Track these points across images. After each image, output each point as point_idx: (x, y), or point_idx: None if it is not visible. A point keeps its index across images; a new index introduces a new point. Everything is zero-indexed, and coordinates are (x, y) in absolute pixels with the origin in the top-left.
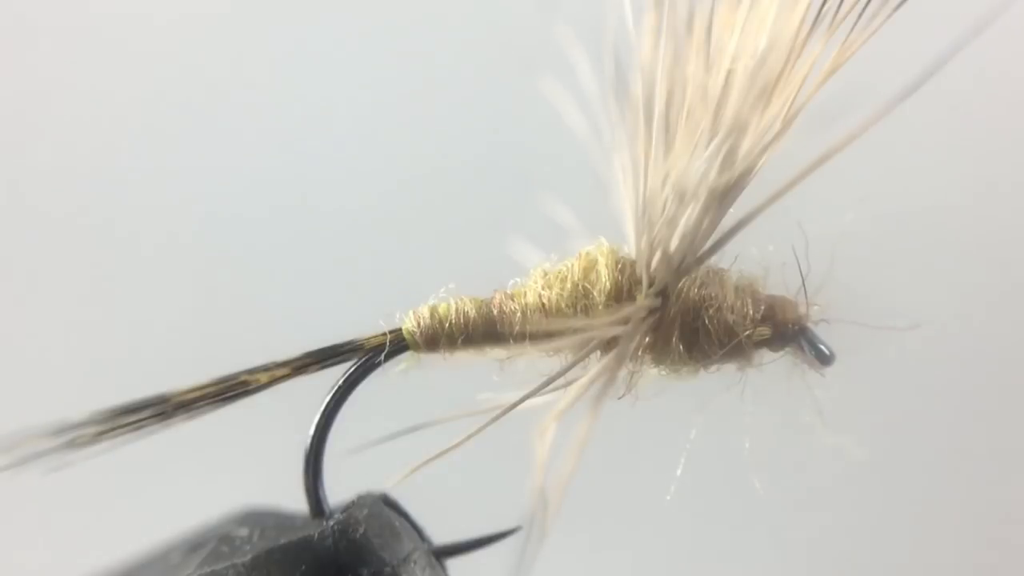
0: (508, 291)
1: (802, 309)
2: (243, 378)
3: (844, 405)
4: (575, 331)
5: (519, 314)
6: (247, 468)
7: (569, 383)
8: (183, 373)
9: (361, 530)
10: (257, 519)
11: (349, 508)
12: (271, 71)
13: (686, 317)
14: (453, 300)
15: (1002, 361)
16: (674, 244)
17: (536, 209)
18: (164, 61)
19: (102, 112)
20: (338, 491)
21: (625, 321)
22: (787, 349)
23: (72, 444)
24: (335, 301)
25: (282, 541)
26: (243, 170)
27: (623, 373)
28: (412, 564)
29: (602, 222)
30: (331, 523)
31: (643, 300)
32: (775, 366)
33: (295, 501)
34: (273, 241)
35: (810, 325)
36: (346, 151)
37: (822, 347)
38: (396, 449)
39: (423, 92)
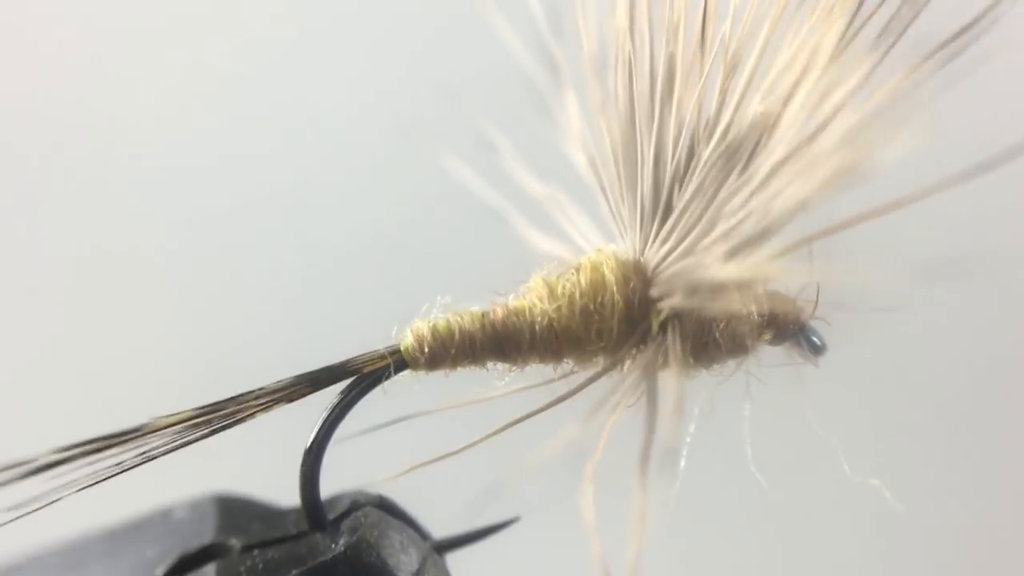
0: (510, 305)
1: (802, 308)
2: (231, 408)
3: (840, 404)
4: (590, 353)
5: (527, 333)
6: (241, 467)
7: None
8: (175, 383)
9: (374, 555)
10: (235, 521)
11: (356, 528)
12: (266, 76)
13: (697, 334)
14: (452, 316)
15: (1002, 361)
16: (693, 271)
17: (533, 205)
18: (162, 62)
19: (100, 116)
20: (327, 484)
21: (641, 342)
22: (784, 344)
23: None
24: (328, 308)
25: (294, 572)
26: (236, 171)
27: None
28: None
29: (595, 222)
30: (341, 546)
31: (657, 323)
32: (773, 366)
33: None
34: (265, 245)
35: (809, 323)
36: (343, 149)
37: (815, 339)
38: (389, 448)
39: (421, 92)
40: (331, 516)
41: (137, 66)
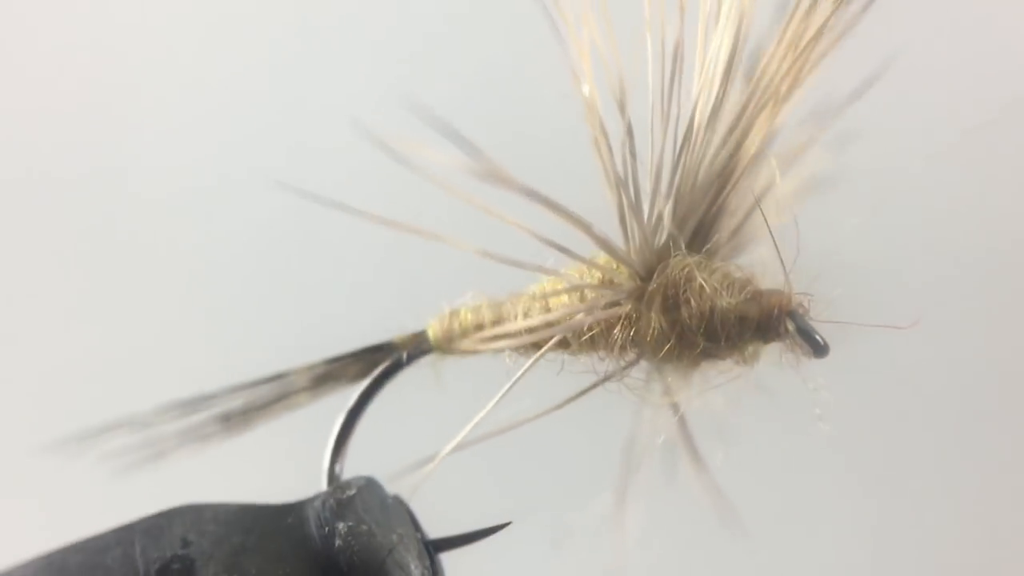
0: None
1: (789, 297)
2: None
3: (842, 403)
4: (568, 313)
5: (524, 307)
6: (247, 467)
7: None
8: (188, 377)
9: (352, 492)
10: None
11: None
12: (274, 77)
13: (668, 291)
14: (473, 303)
15: (1002, 361)
16: (661, 232)
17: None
18: (163, 60)
19: (103, 113)
20: None
21: (611, 294)
22: (779, 339)
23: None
24: (356, 304)
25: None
26: (252, 172)
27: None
28: (396, 539)
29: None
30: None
31: (628, 279)
32: (772, 364)
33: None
34: (281, 243)
35: (799, 311)
36: (349, 152)
37: (816, 337)
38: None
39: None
40: None
41: (143, 67)
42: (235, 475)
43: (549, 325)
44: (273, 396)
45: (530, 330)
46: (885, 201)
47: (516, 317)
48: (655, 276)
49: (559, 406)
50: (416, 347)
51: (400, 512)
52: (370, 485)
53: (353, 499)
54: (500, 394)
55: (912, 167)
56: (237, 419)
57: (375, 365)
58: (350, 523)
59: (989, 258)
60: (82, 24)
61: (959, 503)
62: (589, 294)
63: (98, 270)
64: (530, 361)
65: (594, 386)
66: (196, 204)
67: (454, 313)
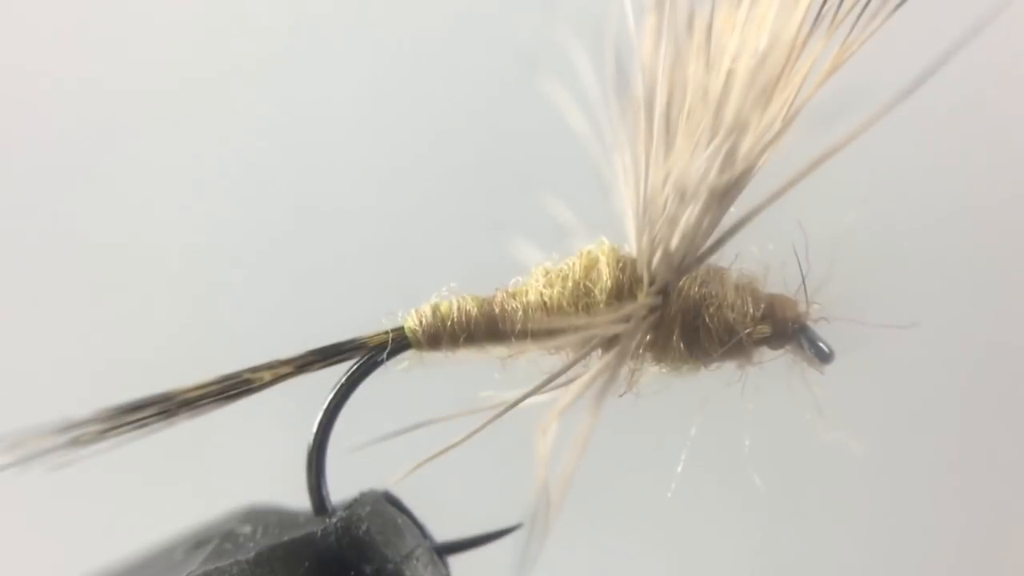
0: (510, 289)
1: (801, 307)
2: (246, 376)
3: (843, 403)
4: (576, 329)
5: (520, 312)
6: (250, 466)
7: (570, 380)
8: (184, 372)
9: (364, 527)
10: (260, 516)
11: (352, 506)
12: (269, 68)
13: (687, 316)
14: (455, 298)
15: (1001, 361)
16: (675, 243)
17: (537, 208)
18: (160, 58)
19: (99, 109)
20: (341, 488)
21: (626, 319)
22: (787, 347)
23: (76, 442)
24: (336, 300)
25: (285, 538)
26: (242, 168)
27: (624, 371)
28: (415, 561)
29: (603, 221)
30: (334, 520)
31: (644, 298)
32: (775, 364)
33: (298, 500)
34: (273, 240)
35: (809, 323)
36: (346, 149)
37: (821, 345)
38: (398, 447)
39: (423, 90)
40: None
41: (139, 60)
42: (228, 473)
43: (552, 334)
44: (227, 391)
45: (534, 338)
46: (882, 197)
47: (515, 326)
48: (673, 298)
49: (555, 389)
50: (394, 344)
51: (410, 527)
52: (376, 509)
53: (370, 533)
54: (502, 410)
55: (908, 160)
56: (182, 410)
57: (341, 363)
58: (376, 565)
59: (988, 258)
60: (81, 24)
61: (957, 503)
62: (599, 305)
63: (70, 270)
64: (535, 389)
65: (593, 378)
66: (184, 197)
67: (436, 309)
